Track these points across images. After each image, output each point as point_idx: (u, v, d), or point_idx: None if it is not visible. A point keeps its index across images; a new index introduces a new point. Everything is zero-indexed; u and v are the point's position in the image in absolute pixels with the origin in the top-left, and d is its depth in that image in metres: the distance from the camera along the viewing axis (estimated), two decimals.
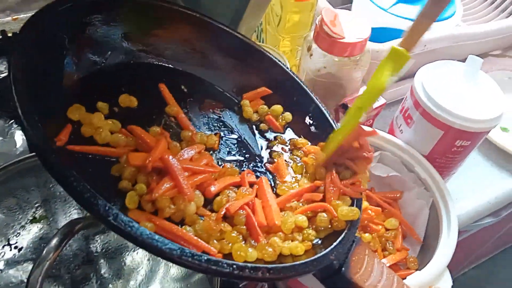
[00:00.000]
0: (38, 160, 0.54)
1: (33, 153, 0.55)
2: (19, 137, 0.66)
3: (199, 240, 0.34)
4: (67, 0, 0.40)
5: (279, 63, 0.51)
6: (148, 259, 0.52)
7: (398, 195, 0.56)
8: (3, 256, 0.47)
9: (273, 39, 0.69)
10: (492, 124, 0.52)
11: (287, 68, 0.51)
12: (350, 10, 0.82)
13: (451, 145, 0.54)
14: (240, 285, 0.53)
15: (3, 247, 0.48)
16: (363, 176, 0.43)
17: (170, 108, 0.45)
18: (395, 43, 0.40)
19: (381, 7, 0.74)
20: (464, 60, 0.57)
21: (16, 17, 0.82)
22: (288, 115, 0.50)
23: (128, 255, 0.52)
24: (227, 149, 0.46)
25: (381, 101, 0.61)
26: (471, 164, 0.70)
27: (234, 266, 0.30)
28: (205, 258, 0.30)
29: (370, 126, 0.63)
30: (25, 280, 0.47)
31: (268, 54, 0.52)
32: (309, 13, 0.66)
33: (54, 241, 0.42)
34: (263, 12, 0.58)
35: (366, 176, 0.43)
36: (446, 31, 0.70)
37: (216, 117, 0.49)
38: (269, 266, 0.32)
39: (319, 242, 0.39)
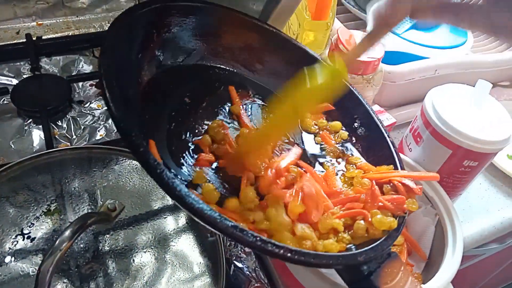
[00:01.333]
0: (54, 158, 0.57)
1: (49, 150, 0.57)
2: (36, 136, 0.68)
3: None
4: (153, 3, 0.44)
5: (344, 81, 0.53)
6: (156, 259, 0.52)
7: None
8: (15, 245, 0.48)
9: None
10: (499, 146, 0.53)
11: (352, 86, 0.53)
12: None
13: (459, 165, 0.55)
14: None
15: (16, 236, 0.49)
16: (412, 201, 0.43)
17: (234, 107, 0.48)
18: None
19: (394, 32, 0.76)
20: (473, 86, 0.59)
21: (41, 22, 0.85)
22: (344, 134, 0.52)
23: (136, 254, 0.53)
24: (281, 153, 0.48)
25: (390, 120, 0.63)
26: (477, 189, 0.71)
27: (258, 238, 0.31)
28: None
29: None
30: (33, 274, 0.47)
31: None
32: (324, 32, 0.68)
33: (67, 233, 0.43)
34: (282, 28, 0.61)
35: (414, 202, 0.43)
36: (457, 57, 0.72)
37: None
38: (294, 248, 0.33)
39: (353, 247, 0.40)
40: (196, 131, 0.45)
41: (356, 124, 0.53)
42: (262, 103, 0.52)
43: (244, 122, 0.48)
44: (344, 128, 0.52)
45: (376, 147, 0.50)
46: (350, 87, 0.53)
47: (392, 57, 0.69)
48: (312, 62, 0.53)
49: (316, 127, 0.52)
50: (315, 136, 0.51)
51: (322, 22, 0.66)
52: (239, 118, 0.48)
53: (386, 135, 0.50)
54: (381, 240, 0.39)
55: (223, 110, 0.49)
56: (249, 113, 0.50)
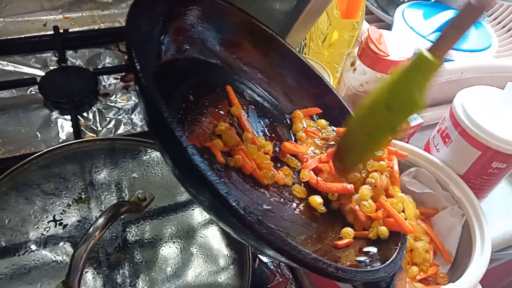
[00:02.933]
0: (83, 147, 0.57)
1: (79, 140, 0.57)
2: (63, 126, 0.69)
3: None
4: None
5: (334, 90, 0.54)
6: (183, 250, 0.52)
7: (431, 212, 0.57)
8: (47, 231, 0.49)
9: (316, 55, 0.72)
10: None
11: (339, 95, 0.55)
12: None
13: (487, 166, 0.55)
14: (270, 285, 0.54)
15: (48, 222, 0.49)
16: None
17: (235, 109, 0.48)
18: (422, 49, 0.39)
19: (420, 34, 0.77)
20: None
21: (67, 15, 0.86)
22: (329, 128, 0.52)
23: (163, 245, 0.53)
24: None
25: (418, 120, 0.63)
26: (499, 193, 0.71)
27: (303, 252, 0.31)
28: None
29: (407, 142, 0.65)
30: (65, 260, 0.48)
31: (325, 81, 0.55)
32: (351, 31, 0.68)
33: (101, 220, 0.43)
34: (310, 27, 0.61)
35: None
36: (484, 61, 0.72)
37: (270, 126, 0.52)
38: (339, 265, 0.33)
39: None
40: (201, 130, 0.45)
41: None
42: (257, 109, 0.53)
43: (245, 125, 0.48)
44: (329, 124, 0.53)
45: None
46: (332, 88, 0.54)
47: None
48: (310, 74, 0.55)
49: (305, 127, 0.53)
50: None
51: (350, 21, 0.67)
52: (239, 120, 0.48)
53: None
54: (396, 253, 0.41)
55: (223, 111, 0.48)
56: (248, 116, 0.50)
